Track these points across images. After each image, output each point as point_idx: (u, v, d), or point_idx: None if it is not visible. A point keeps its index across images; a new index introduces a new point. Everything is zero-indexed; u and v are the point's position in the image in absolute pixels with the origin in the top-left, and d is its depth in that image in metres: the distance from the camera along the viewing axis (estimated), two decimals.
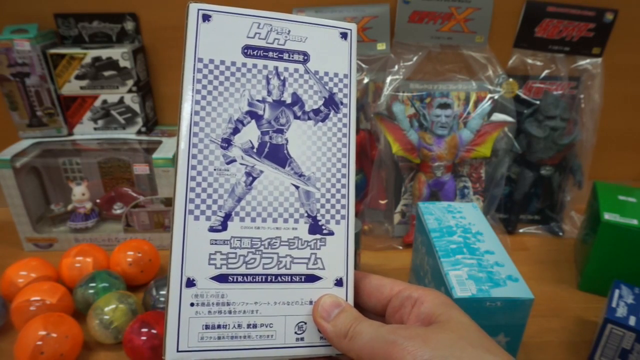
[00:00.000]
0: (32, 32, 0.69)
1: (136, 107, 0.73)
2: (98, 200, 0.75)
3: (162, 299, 0.55)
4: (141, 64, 0.74)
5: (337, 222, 0.30)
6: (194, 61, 0.29)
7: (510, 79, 0.76)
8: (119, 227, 0.72)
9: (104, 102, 0.73)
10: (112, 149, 0.74)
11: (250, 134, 0.30)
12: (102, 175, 0.76)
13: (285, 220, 0.30)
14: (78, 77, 0.71)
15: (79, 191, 0.71)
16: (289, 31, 0.31)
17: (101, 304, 0.53)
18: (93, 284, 0.56)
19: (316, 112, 0.31)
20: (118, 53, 0.70)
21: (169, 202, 0.69)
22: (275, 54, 0.31)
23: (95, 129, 0.74)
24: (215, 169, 0.29)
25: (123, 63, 0.70)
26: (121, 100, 0.73)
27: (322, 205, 0.30)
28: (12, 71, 0.68)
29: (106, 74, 0.71)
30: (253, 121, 0.30)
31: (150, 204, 0.70)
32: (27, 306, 0.53)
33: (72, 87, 0.71)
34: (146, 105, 0.76)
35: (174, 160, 0.66)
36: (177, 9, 0.74)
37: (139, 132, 0.75)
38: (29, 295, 0.54)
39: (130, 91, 0.72)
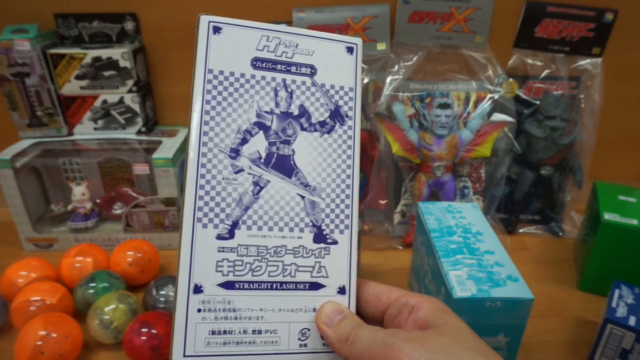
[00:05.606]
0: (32, 32, 0.69)
1: (136, 107, 0.73)
2: (98, 200, 0.75)
3: (162, 299, 0.55)
4: (141, 64, 0.74)
5: (341, 232, 0.31)
6: (204, 72, 0.30)
7: (510, 79, 0.76)
8: (119, 227, 0.72)
9: (104, 102, 0.72)
10: (112, 149, 0.74)
11: (258, 144, 0.30)
12: (102, 175, 0.76)
13: (291, 229, 0.30)
14: (78, 77, 0.71)
15: (79, 191, 0.71)
16: (297, 45, 0.31)
17: (101, 304, 0.53)
18: (93, 284, 0.56)
19: (322, 124, 0.32)
20: (118, 53, 0.70)
21: (169, 202, 0.69)
22: (283, 66, 0.31)
23: (95, 129, 0.74)
24: (223, 178, 0.29)
25: (123, 63, 0.70)
26: (121, 100, 0.73)
27: (327, 215, 0.31)
28: (12, 71, 0.68)
29: (106, 74, 0.71)
30: (261, 132, 0.30)
31: (150, 204, 0.70)
32: (27, 306, 0.53)
33: (72, 87, 0.71)
34: (146, 105, 0.76)
35: (174, 160, 0.66)
36: (177, 9, 0.74)
37: (139, 132, 0.75)
38: (29, 295, 0.54)
39: (130, 91, 0.72)
